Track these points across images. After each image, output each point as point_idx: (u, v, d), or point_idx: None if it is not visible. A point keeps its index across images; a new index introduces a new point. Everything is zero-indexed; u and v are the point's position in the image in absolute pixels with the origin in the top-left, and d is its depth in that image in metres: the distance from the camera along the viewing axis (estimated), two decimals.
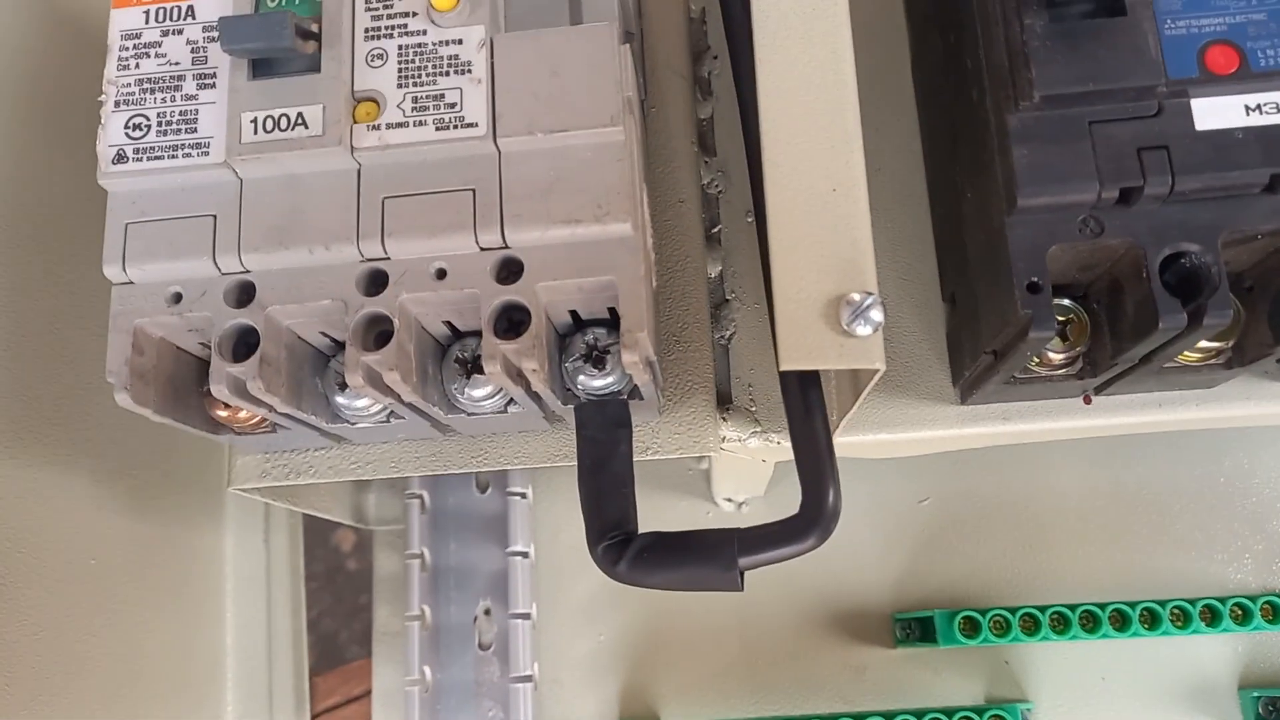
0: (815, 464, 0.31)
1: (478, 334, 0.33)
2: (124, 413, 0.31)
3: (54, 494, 0.42)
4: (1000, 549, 0.53)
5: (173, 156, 0.31)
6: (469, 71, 0.31)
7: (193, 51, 0.32)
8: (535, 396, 0.33)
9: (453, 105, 0.31)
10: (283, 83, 0.31)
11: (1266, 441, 0.54)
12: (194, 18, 0.33)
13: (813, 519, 0.30)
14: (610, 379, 0.33)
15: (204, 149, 0.31)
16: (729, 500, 0.55)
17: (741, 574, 0.30)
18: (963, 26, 0.34)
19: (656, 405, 0.35)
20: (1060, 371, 0.35)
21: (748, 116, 0.35)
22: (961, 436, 0.39)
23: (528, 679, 0.52)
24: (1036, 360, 0.35)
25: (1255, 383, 0.38)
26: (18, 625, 0.39)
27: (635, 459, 0.33)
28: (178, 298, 0.31)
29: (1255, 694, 0.50)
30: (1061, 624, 0.48)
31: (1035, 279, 0.30)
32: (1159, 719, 0.51)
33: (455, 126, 0.31)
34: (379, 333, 0.31)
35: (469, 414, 0.34)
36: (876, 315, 0.28)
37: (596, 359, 0.33)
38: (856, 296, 0.28)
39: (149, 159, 0.31)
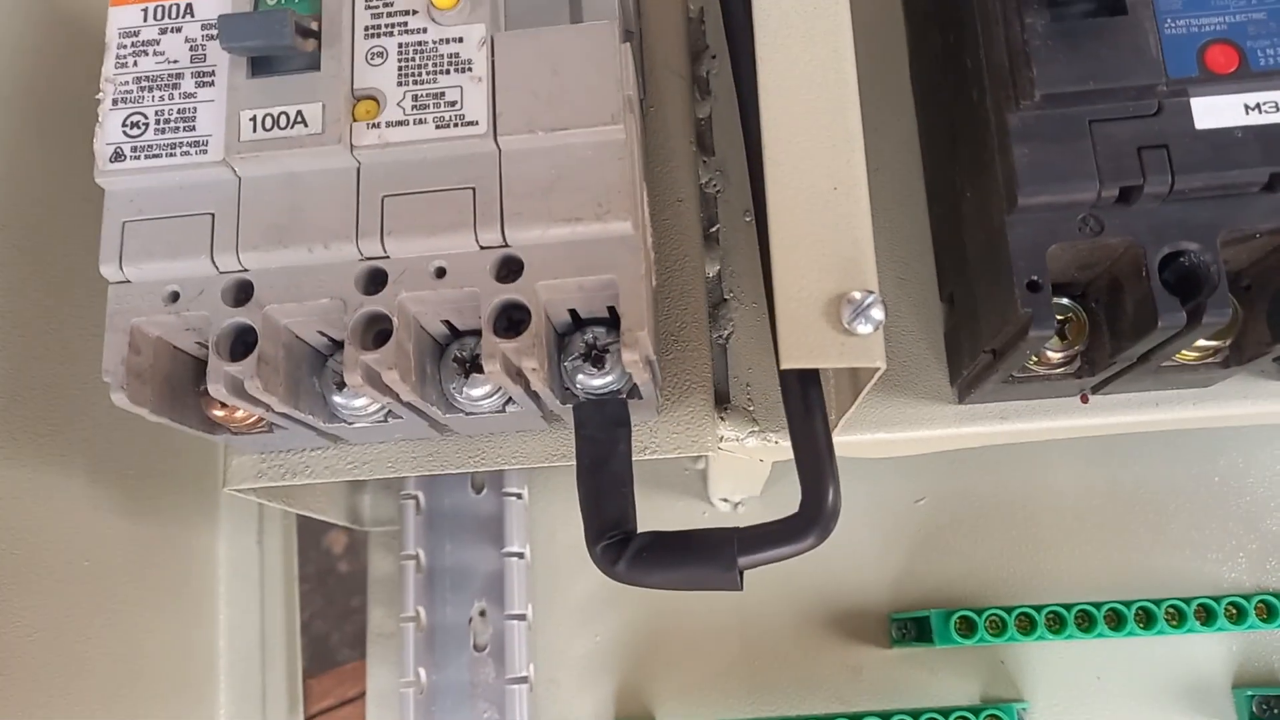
0: (815, 463, 0.31)
1: (476, 333, 0.33)
2: (120, 413, 0.31)
3: (50, 495, 0.41)
4: (996, 549, 0.53)
5: (171, 155, 0.31)
6: (469, 70, 0.31)
7: (191, 49, 0.32)
8: (534, 396, 0.33)
9: (453, 103, 0.31)
10: (282, 81, 0.31)
11: (1261, 441, 0.54)
12: (192, 15, 0.32)
13: (812, 518, 0.30)
14: (609, 378, 0.33)
15: (202, 147, 0.31)
16: (725, 500, 0.55)
17: (741, 573, 0.30)
18: (963, 25, 0.34)
19: (655, 404, 0.35)
20: (1058, 371, 0.35)
21: (748, 115, 0.35)
22: (959, 436, 0.39)
23: (523, 680, 0.52)
24: (1035, 359, 0.35)
25: (1252, 382, 0.38)
26: (14, 626, 0.39)
27: (633, 458, 0.33)
28: (175, 297, 0.31)
29: (1249, 693, 0.50)
30: (1057, 623, 0.48)
31: (1035, 277, 0.30)
32: (1154, 718, 0.51)
33: (455, 125, 0.30)
34: (378, 332, 0.31)
35: (467, 413, 0.34)
36: (877, 314, 0.28)
37: (596, 358, 0.33)
38: (857, 295, 0.28)
39: (147, 157, 0.31)
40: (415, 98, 0.31)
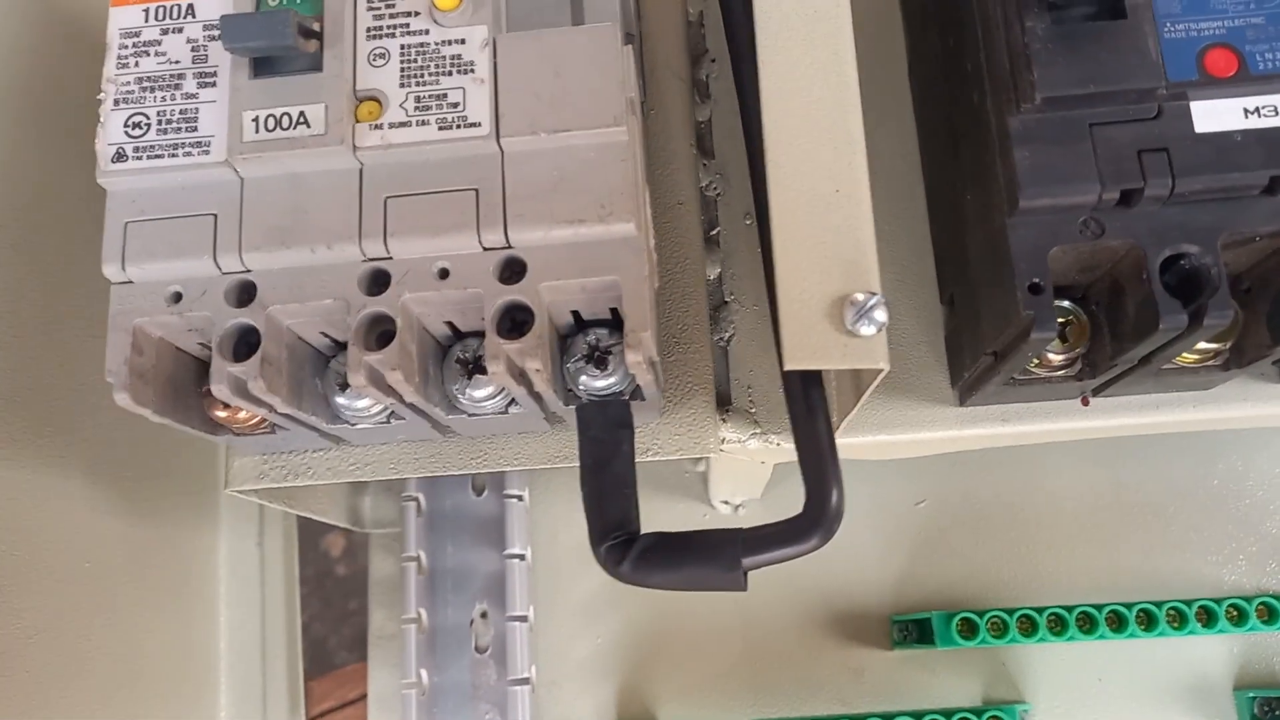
0: (818, 464, 0.31)
1: (479, 334, 0.33)
2: (120, 414, 0.31)
3: (50, 496, 0.41)
4: (998, 550, 0.53)
5: (173, 155, 0.31)
6: (472, 71, 0.31)
7: (193, 50, 0.32)
8: (537, 397, 0.33)
9: (455, 105, 0.31)
10: (284, 81, 0.31)
11: (1259, 444, 0.54)
12: (194, 16, 0.32)
13: (816, 519, 0.30)
14: (612, 379, 0.33)
15: (205, 148, 0.31)
16: (726, 503, 0.55)
17: (745, 574, 0.30)
18: (963, 28, 0.34)
19: (658, 406, 0.35)
20: (1059, 373, 0.35)
21: (749, 118, 0.35)
22: (960, 438, 0.39)
23: (525, 682, 0.52)
24: (1036, 362, 0.35)
25: (1252, 384, 0.38)
26: (15, 627, 0.39)
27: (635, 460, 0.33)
28: (177, 297, 0.31)
29: (1250, 694, 0.50)
30: (1058, 625, 0.48)
31: (1037, 280, 0.30)
32: (1155, 719, 0.51)
33: (458, 126, 0.31)
34: (380, 333, 0.31)
35: (469, 415, 0.34)
36: (880, 315, 0.28)
37: (598, 359, 0.33)
38: (860, 296, 0.28)
39: (149, 158, 0.31)
40: (418, 99, 0.31)
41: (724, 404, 0.39)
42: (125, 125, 0.32)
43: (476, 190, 0.31)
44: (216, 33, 0.32)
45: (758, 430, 0.39)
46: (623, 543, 0.31)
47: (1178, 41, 0.31)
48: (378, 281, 0.31)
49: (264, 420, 0.34)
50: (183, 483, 0.50)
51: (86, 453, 0.43)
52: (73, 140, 0.39)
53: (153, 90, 0.32)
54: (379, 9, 0.32)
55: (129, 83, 0.32)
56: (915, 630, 0.52)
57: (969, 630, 0.49)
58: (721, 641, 0.53)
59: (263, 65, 0.31)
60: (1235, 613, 0.49)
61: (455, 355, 0.33)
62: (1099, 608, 0.48)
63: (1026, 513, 0.53)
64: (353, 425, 0.35)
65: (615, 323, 0.33)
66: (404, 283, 0.31)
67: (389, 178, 0.31)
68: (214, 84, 0.32)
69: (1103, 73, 0.30)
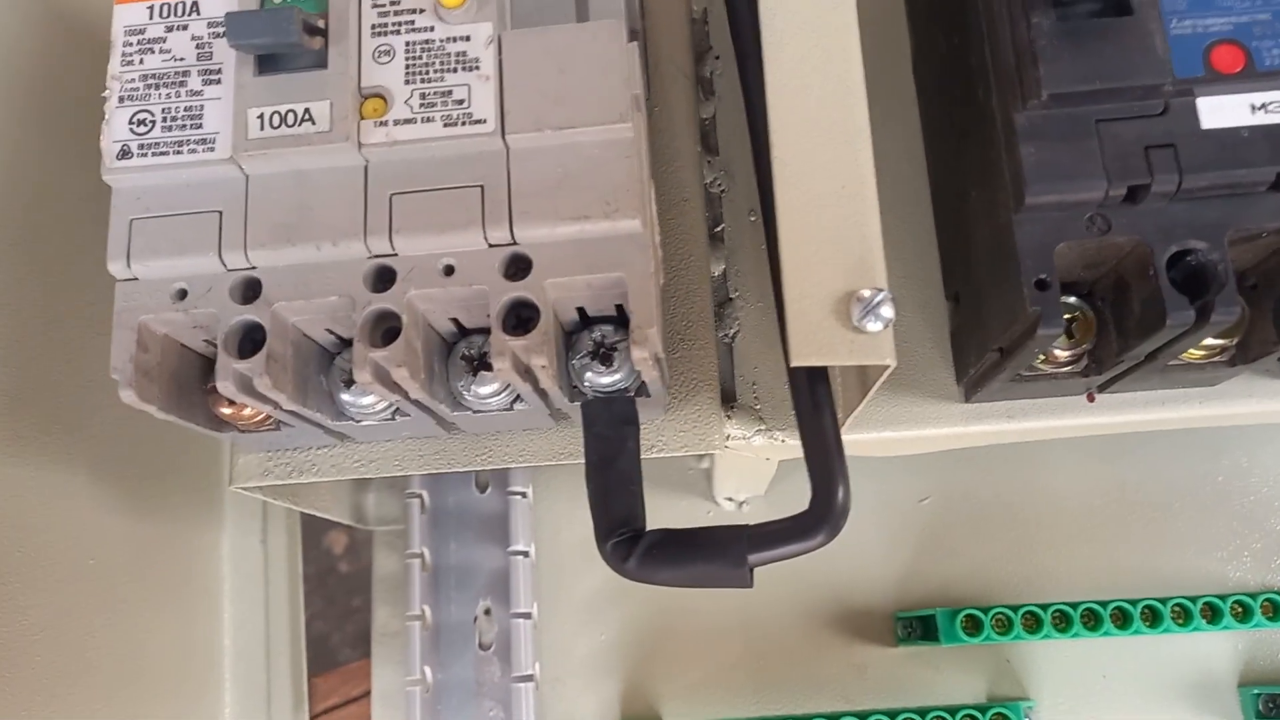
0: (824, 461, 0.31)
1: (484, 331, 0.33)
2: (124, 411, 0.31)
3: (54, 493, 0.41)
4: (1002, 547, 0.53)
5: (178, 152, 0.31)
6: (477, 68, 0.31)
7: (198, 47, 0.32)
8: (542, 394, 0.33)
9: (461, 102, 0.31)
10: (289, 78, 0.31)
11: (1264, 440, 0.54)
12: (198, 13, 0.32)
13: (822, 516, 0.30)
14: (618, 376, 0.33)
15: (210, 145, 0.31)
16: (730, 499, 0.54)
17: (751, 570, 0.30)
18: (968, 25, 0.34)
19: (663, 403, 0.35)
20: (1065, 369, 0.35)
21: (754, 114, 0.35)
22: (965, 434, 0.39)
23: (529, 679, 0.52)
24: (1042, 358, 0.35)
25: (1257, 380, 0.38)
26: (19, 624, 0.39)
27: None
28: (183, 294, 0.31)
29: (1256, 691, 0.50)
30: (1063, 622, 0.48)
31: (1044, 276, 0.30)
32: (1160, 716, 0.51)
33: (463, 123, 0.30)
34: (386, 329, 0.31)
35: (475, 411, 0.34)
36: (887, 311, 0.28)
37: (604, 356, 0.33)
38: (867, 293, 0.28)
39: (154, 155, 0.31)
40: (423, 96, 0.31)
41: (729, 400, 0.39)
42: (130, 122, 0.31)
43: (482, 187, 0.30)
44: (221, 30, 0.32)
45: (763, 427, 0.39)
46: (628, 539, 0.31)
47: (1184, 37, 0.30)
48: (383, 278, 0.31)
49: (269, 417, 0.34)
50: (187, 480, 0.51)
51: (91, 450, 0.43)
52: (75, 139, 0.39)
53: (157, 87, 0.32)
54: (384, 6, 0.32)
55: (134, 80, 0.32)
56: (919, 627, 0.52)
57: (973, 627, 0.49)
58: (725, 638, 0.53)
59: (267, 62, 0.31)
60: (1240, 609, 0.49)
61: (460, 352, 0.33)
62: (1104, 604, 0.48)
63: (1030, 509, 0.53)
64: (357, 422, 0.35)
65: (620, 319, 0.33)
66: (409, 279, 0.31)
67: (394, 175, 0.31)
68: (219, 81, 0.32)
69: (1109, 69, 0.30)
